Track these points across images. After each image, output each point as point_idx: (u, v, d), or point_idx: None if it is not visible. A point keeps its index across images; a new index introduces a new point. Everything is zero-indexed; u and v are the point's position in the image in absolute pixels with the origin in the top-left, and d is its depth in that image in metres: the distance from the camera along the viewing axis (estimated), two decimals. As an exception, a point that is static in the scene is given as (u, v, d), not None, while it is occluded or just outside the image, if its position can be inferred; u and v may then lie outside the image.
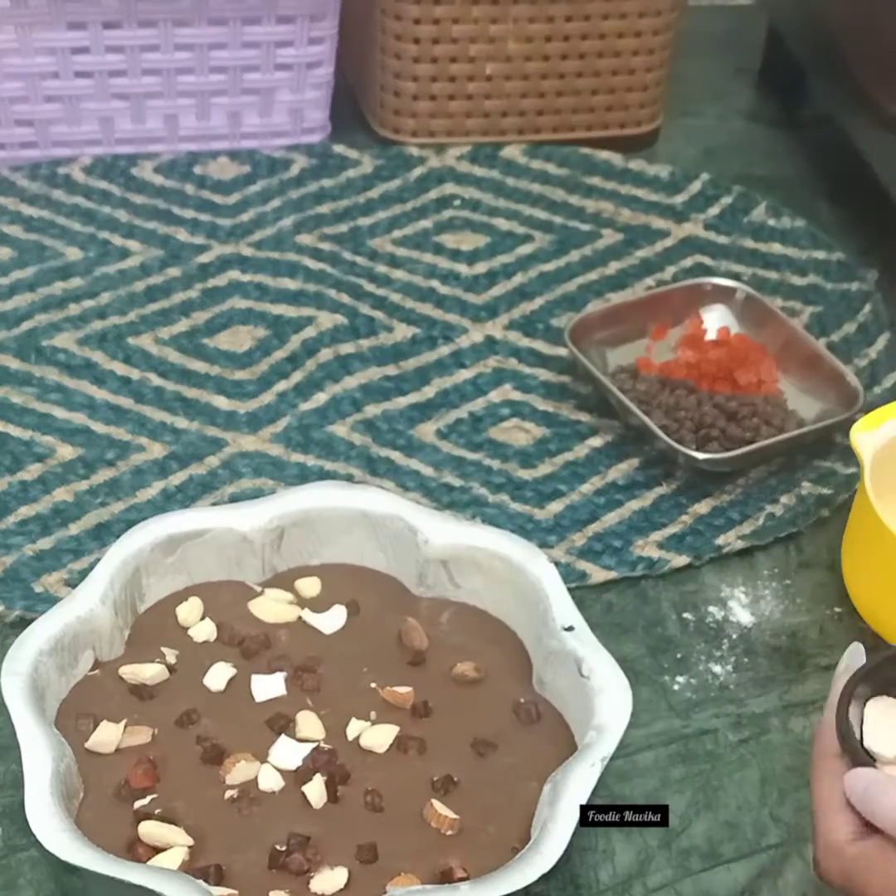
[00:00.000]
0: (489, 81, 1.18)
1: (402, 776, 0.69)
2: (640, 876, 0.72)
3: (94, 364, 0.98)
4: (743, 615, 0.85)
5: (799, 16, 1.24)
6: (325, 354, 1.00)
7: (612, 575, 0.87)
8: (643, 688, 0.80)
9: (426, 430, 0.95)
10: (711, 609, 0.85)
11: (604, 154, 1.21)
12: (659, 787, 0.76)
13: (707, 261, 1.11)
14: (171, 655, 0.74)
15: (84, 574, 0.75)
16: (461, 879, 0.64)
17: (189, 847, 0.65)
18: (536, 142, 1.21)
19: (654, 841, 0.73)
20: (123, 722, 0.70)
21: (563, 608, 0.74)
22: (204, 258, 1.08)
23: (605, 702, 0.69)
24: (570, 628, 0.73)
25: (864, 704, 0.64)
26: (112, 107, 1.14)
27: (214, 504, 0.88)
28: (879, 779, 0.59)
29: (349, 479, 0.90)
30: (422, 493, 0.91)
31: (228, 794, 0.68)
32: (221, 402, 0.96)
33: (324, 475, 0.91)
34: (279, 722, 0.71)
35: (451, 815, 0.67)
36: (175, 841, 0.65)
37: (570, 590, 0.75)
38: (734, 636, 0.84)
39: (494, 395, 0.98)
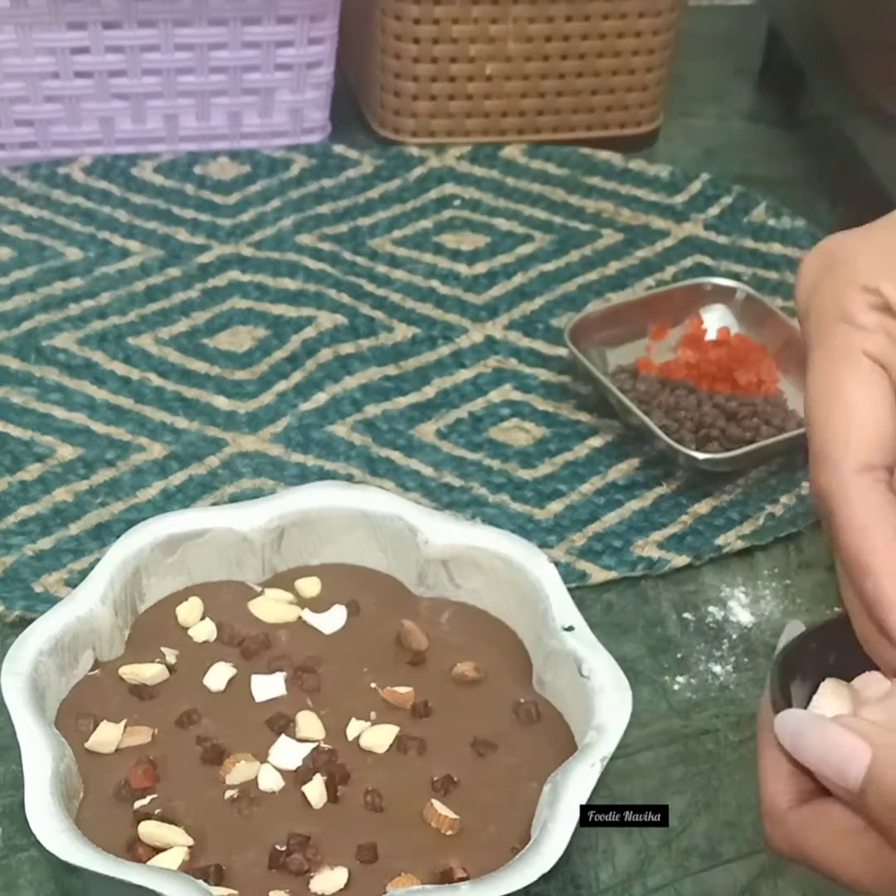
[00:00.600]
0: (489, 81, 1.18)
1: (402, 776, 0.69)
2: (640, 876, 0.72)
3: (94, 364, 0.98)
4: (743, 615, 0.85)
5: (799, 16, 1.24)
6: (325, 354, 1.00)
7: (612, 575, 0.87)
8: (643, 688, 0.80)
9: (426, 430, 0.95)
10: (711, 609, 0.86)
11: (604, 154, 1.21)
12: (659, 787, 0.76)
13: (707, 261, 1.11)
14: (171, 655, 0.74)
15: (84, 574, 0.75)
16: (461, 879, 0.64)
17: (189, 847, 0.65)
18: (536, 142, 1.21)
19: (654, 841, 0.73)
20: (123, 722, 0.70)
21: (563, 608, 0.73)
22: (204, 258, 1.08)
23: (605, 702, 0.69)
24: (570, 628, 0.72)
25: (815, 688, 0.62)
26: (112, 107, 1.14)
27: (214, 504, 0.88)
28: (808, 717, 0.57)
29: (349, 479, 0.90)
30: (422, 493, 0.91)
31: (228, 794, 0.68)
32: (221, 402, 0.96)
33: (324, 475, 0.91)
34: (279, 722, 0.71)
35: (451, 815, 0.67)
36: (175, 841, 0.65)
37: (570, 590, 0.75)
38: (734, 636, 0.84)
39: (494, 395, 0.98)
